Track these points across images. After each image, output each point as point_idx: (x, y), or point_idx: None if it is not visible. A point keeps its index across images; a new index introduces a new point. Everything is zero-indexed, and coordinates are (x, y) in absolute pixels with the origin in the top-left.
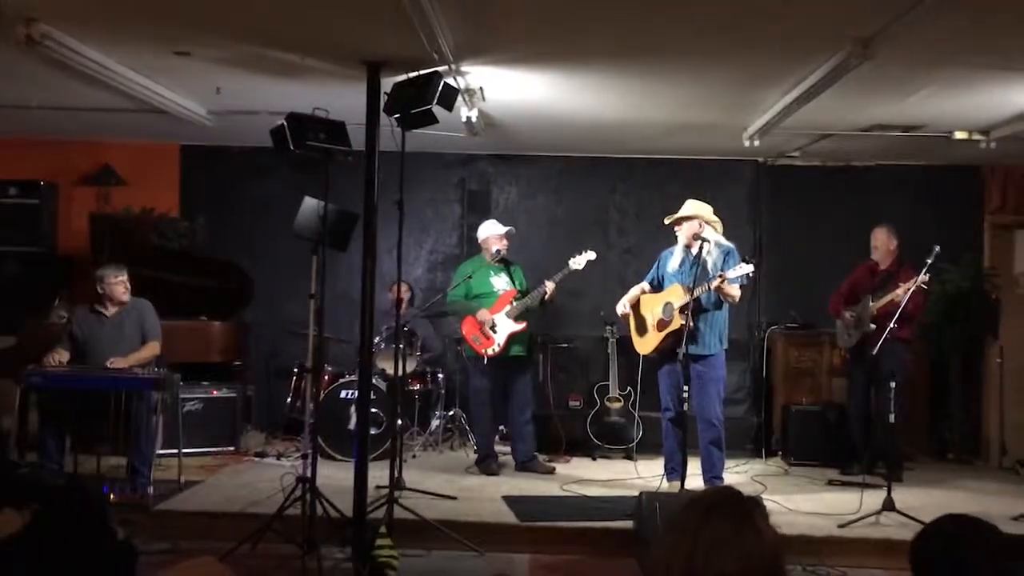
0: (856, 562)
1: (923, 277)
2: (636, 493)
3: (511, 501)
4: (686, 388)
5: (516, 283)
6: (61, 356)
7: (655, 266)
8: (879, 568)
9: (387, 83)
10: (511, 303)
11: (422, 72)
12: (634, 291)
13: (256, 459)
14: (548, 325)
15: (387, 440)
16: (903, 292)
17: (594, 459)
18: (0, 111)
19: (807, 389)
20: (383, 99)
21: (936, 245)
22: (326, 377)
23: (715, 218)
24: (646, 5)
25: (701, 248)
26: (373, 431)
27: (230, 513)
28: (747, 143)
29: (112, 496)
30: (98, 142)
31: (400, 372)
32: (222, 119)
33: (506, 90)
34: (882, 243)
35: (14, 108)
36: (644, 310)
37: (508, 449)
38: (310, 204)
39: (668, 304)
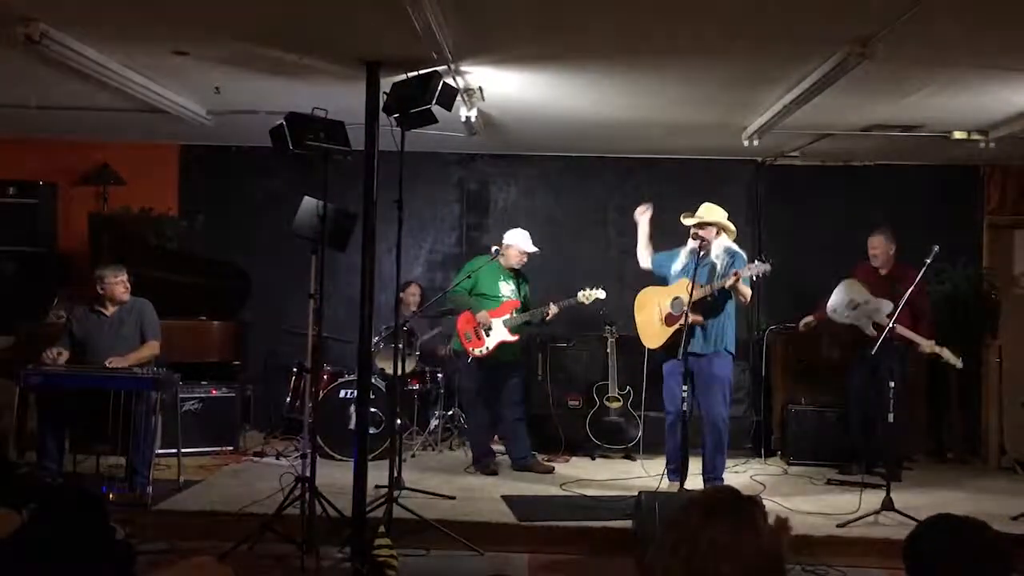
0: (855, 562)
1: (929, 349)
2: (635, 493)
3: (510, 501)
4: (685, 388)
5: (521, 294)
6: (60, 354)
7: (667, 256)
8: (878, 568)
9: (386, 83)
10: (511, 313)
11: (421, 72)
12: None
13: (255, 459)
14: (548, 325)
15: (386, 440)
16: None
17: (593, 459)
18: None
19: (806, 389)
20: (382, 99)
21: (935, 245)
22: (325, 377)
23: (731, 226)
24: (646, 5)
25: (708, 252)
26: (372, 431)
27: (229, 513)
28: (747, 143)
29: (111, 496)
30: (97, 142)
31: (399, 372)
32: (221, 119)
33: (505, 90)
34: (882, 250)
35: (13, 108)
36: (651, 303)
37: (500, 447)
38: (309, 204)
39: (677, 299)
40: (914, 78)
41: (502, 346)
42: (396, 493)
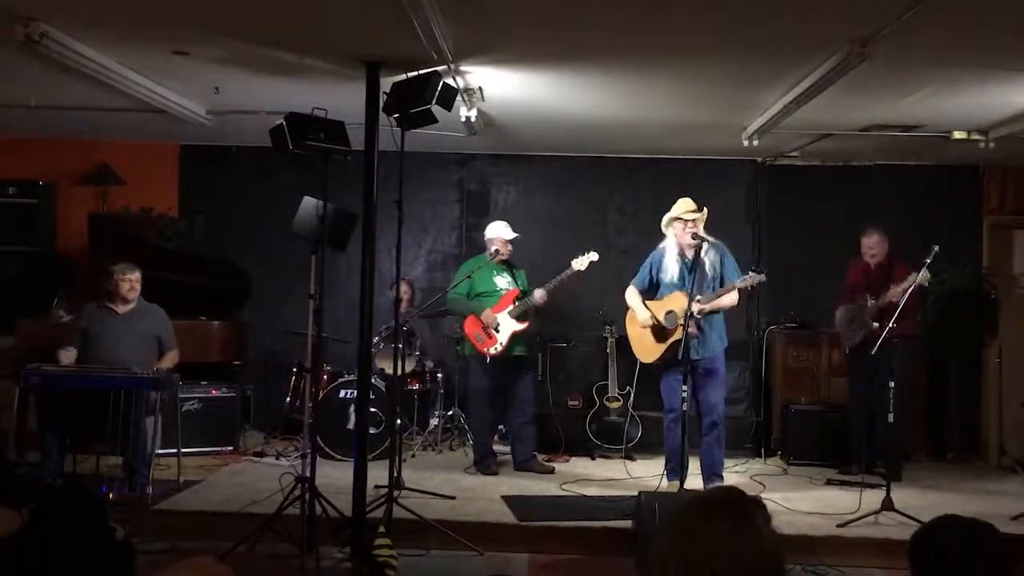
0: (855, 562)
1: (922, 275)
2: (635, 493)
3: (510, 501)
4: (685, 388)
5: (519, 283)
6: (69, 355)
7: (647, 268)
8: (878, 568)
9: (386, 83)
10: (513, 303)
11: (421, 72)
12: (638, 302)
13: (255, 459)
14: (547, 325)
15: (386, 440)
16: (900, 292)
17: (593, 459)
18: None
19: (806, 389)
20: (382, 99)
21: (935, 245)
22: (325, 377)
23: (698, 213)
24: (646, 5)
25: (699, 251)
26: (372, 431)
27: (229, 513)
28: (746, 143)
29: (111, 495)
30: (97, 142)
31: (399, 372)
32: (221, 119)
33: (505, 90)
34: (879, 248)
35: (13, 108)
36: (647, 319)
37: (507, 449)
38: (309, 204)
39: (671, 313)
40: (914, 78)
41: (514, 339)
42: (396, 493)
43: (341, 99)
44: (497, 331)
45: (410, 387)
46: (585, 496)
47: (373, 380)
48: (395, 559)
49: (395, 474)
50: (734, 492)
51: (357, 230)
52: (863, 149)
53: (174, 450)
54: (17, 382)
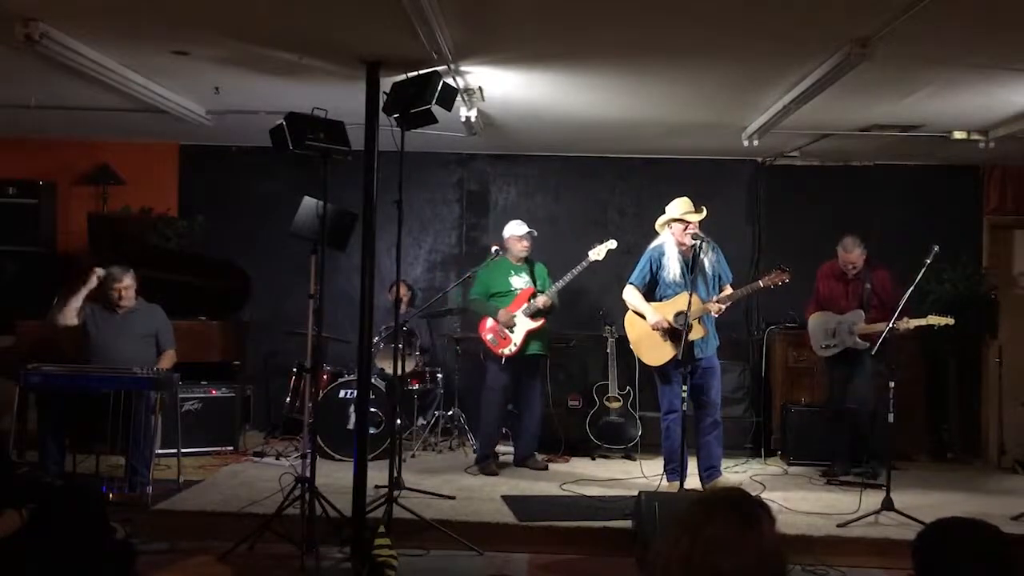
0: (855, 562)
1: (916, 322)
2: (635, 493)
3: (510, 501)
4: (685, 388)
5: (537, 281)
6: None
7: (646, 266)
8: (878, 568)
9: (386, 83)
10: (528, 300)
11: (421, 72)
12: (644, 305)
13: (255, 459)
14: (549, 324)
15: (386, 440)
16: (887, 325)
17: (593, 459)
18: None
19: (806, 389)
20: (382, 99)
21: (935, 245)
22: (325, 377)
23: (698, 215)
24: (646, 5)
25: (699, 249)
26: (372, 431)
27: (229, 513)
28: (746, 143)
29: (111, 496)
30: (97, 142)
31: (399, 372)
32: (221, 119)
33: (505, 90)
34: (859, 261)
35: (13, 108)
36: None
37: (509, 449)
38: (309, 204)
39: (681, 314)
40: (914, 78)
41: (529, 337)
42: (396, 493)
43: (341, 99)
44: (511, 331)
45: (410, 387)
46: (585, 496)
47: (373, 380)
48: (395, 559)
49: (395, 474)
50: (738, 492)
51: (357, 230)
52: (863, 149)
53: (174, 450)
54: (17, 382)
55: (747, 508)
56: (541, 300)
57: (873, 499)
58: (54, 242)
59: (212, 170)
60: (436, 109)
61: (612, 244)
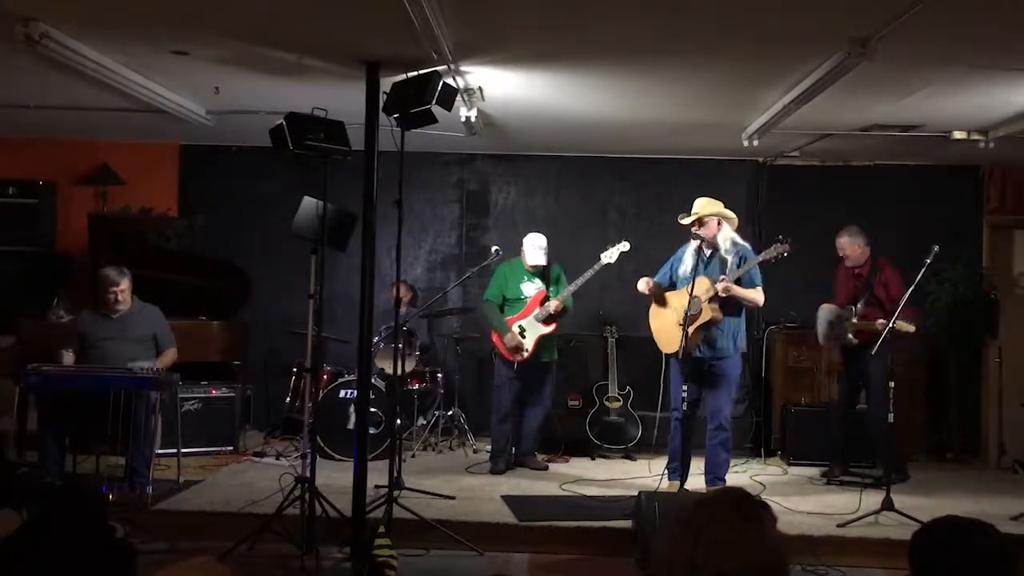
0: (855, 562)
1: (881, 322)
2: (635, 493)
3: (510, 501)
4: (685, 388)
5: (552, 282)
6: (70, 357)
7: (668, 265)
8: (878, 568)
9: (386, 83)
10: (540, 305)
11: (421, 72)
12: (643, 285)
13: (255, 459)
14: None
15: (386, 440)
16: (884, 324)
17: (593, 459)
18: None
19: (806, 389)
20: (382, 99)
21: (935, 245)
22: (325, 376)
23: (731, 214)
24: (646, 5)
25: (716, 248)
26: (372, 431)
27: (229, 513)
28: (746, 143)
29: (111, 496)
30: (96, 142)
31: (399, 372)
32: (221, 119)
33: (505, 90)
34: (850, 250)
35: (13, 108)
36: (667, 307)
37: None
38: (309, 204)
39: (696, 299)
40: (914, 78)
41: (541, 343)
42: (396, 493)
43: (341, 99)
44: (523, 336)
45: (410, 387)
46: (585, 496)
47: (373, 380)
48: (395, 559)
49: (395, 474)
50: (740, 493)
51: (357, 230)
52: (863, 149)
53: (174, 450)
54: (17, 382)
55: (749, 508)
56: (553, 305)
57: (873, 499)
58: (54, 242)
59: (212, 170)
60: (436, 109)
61: (625, 246)
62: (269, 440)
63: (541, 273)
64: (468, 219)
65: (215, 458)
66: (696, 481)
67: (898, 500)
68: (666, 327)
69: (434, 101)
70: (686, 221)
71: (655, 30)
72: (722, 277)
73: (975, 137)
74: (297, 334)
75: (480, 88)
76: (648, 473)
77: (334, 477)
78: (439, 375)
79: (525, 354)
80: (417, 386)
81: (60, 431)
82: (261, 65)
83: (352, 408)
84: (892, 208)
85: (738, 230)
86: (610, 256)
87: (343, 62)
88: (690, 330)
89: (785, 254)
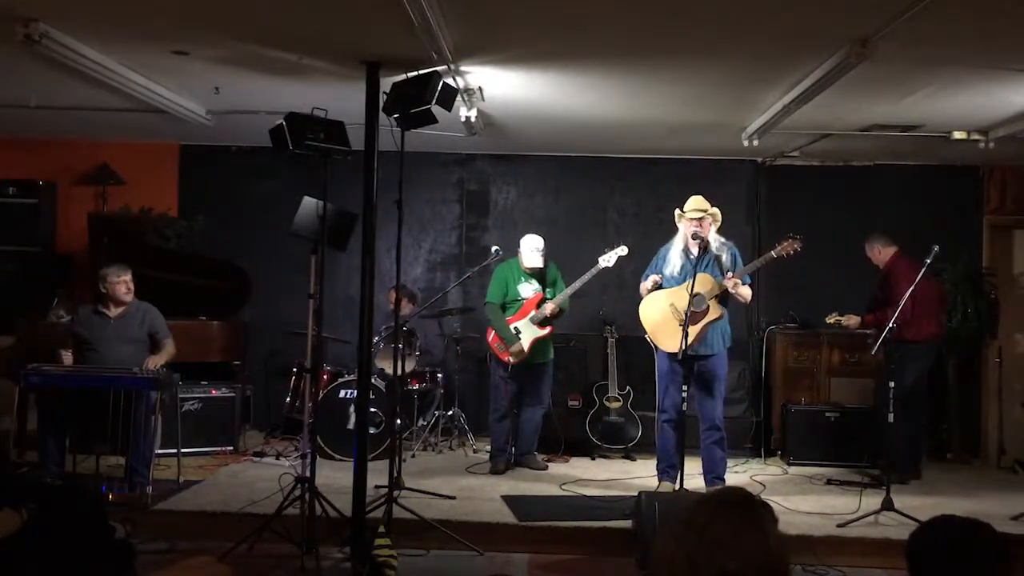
0: (855, 562)
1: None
2: (635, 493)
3: (510, 501)
4: (685, 388)
5: (548, 283)
6: (68, 357)
7: (653, 264)
8: (878, 568)
9: (386, 83)
10: (536, 307)
11: (421, 72)
12: (647, 284)
13: (255, 459)
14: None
15: (386, 440)
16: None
17: (593, 459)
18: None
19: (806, 389)
20: (382, 99)
21: (935, 245)
22: (325, 377)
23: (718, 212)
24: (646, 5)
25: (707, 247)
26: (372, 431)
27: (229, 513)
28: (746, 143)
29: (111, 496)
30: (96, 141)
31: (399, 372)
32: (221, 119)
33: (505, 90)
34: (871, 256)
35: (13, 108)
36: (662, 307)
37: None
38: (309, 204)
39: (698, 296)
40: (914, 78)
41: (536, 345)
42: (396, 493)
43: (341, 99)
44: (519, 337)
45: (410, 387)
46: (585, 496)
47: (373, 380)
48: (395, 559)
49: (395, 474)
50: (741, 493)
51: (357, 230)
52: (863, 149)
53: (174, 450)
54: (17, 382)
55: (750, 508)
56: (549, 307)
57: (873, 499)
58: (54, 242)
59: (212, 170)
60: (436, 109)
61: (623, 251)
62: (269, 440)
63: (538, 275)
64: (468, 219)
65: (215, 458)
66: (696, 481)
67: (898, 500)
68: (666, 325)
69: (434, 101)
70: (696, 216)
71: (655, 30)
72: (730, 273)
73: (975, 137)
74: (297, 334)
75: (480, 88)
76: (648, 473)
77: (334, 477)
78: (439, 375)
79: (520, 356)
80: (417, 386)
81: (60, 431)
82: (261, 65)
83: (352, 408)
84: (892, 208)
85: (738, 230)
86: (608, 260)
87: (343, 62)
88: (696, 328)
89: (797, 249)
